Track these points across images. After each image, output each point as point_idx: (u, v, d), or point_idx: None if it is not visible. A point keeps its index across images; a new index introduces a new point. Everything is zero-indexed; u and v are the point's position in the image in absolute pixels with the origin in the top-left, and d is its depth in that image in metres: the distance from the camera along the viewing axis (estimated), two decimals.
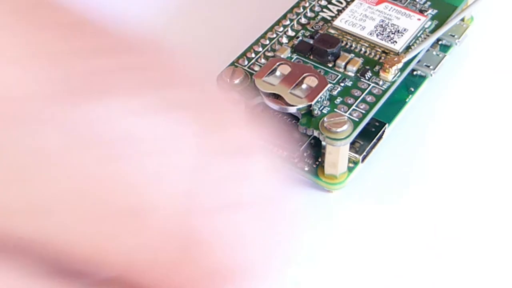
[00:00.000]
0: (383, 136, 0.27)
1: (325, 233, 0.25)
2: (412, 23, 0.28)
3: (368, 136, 0.26)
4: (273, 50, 0.27)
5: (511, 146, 0.28)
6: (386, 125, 0.27)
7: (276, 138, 0.26)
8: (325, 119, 0.24)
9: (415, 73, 0.29)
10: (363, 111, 0.25)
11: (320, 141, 0.26)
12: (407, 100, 0.28)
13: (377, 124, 0.27)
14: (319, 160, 0.26)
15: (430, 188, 0.26)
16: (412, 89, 0.29)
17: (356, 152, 0.26)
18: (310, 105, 0.25)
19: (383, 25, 0.28)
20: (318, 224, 0.25)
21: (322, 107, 0.25)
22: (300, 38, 0.27)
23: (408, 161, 0.27)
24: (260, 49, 0.27)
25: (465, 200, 0.26)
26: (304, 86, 0.25)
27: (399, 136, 0.28)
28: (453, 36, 0.30)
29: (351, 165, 0.26)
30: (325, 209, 0.26)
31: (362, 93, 0.26)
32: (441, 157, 0.27)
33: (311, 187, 0.26)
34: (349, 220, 0.25)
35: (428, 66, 0.28)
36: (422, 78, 0.29)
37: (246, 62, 0.27)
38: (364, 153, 0.26)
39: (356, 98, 0.25)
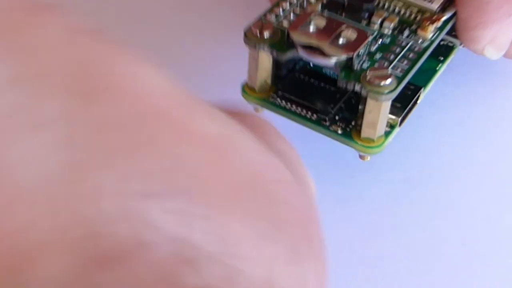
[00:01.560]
0: (417, 102, 0.25)
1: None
2: None
3: (405, 99, 0.25)
4: (302, 7, 0.25)
5: None
6: (422, 89, 0.25)
7: (305, 101, 0.24)
8: (367, 72, 0.23)
9: (442, 43, 0.27)
10: (406, 67, 0.23)
11: (354, 104, 0.24)
12: (437, 68, 0.27)
13: (412, 87, 0.25)
14: (353, 123, 0.24)
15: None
16: (442, 58, 0.27)
17: (395, 114, 0.24)
18: (351, 58, 0.23)
19: None
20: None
21: (362, 62, 0.23)
22: None
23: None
24: (288, 6, 0.25)
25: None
26: (342, 39, 0.23)
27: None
28: None
29: (387, 129, 0.24)
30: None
31: (402, 50, 0.24)
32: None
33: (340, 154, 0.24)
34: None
35: (457, 37, 0.27)
36: (451, 48, 0.27)
37: (274, 18, 0.25)
38: (402, 116, 0.24)
39: (396, 54, 0.24)
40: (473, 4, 0.25)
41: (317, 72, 0.25)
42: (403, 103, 0.25)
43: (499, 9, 0.25)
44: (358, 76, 0.23)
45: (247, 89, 0.25)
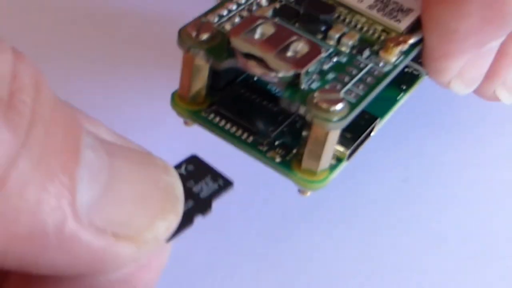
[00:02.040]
0: (371, 134, 0.22)
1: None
2: (416, 4, 0.23)
3: (357, 129, 0.21)
4: (250, 11, 0.22)
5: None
6: (378, 119, 0.22)
7: (242, 119, 0.21)
8: (316, 94, 0.19)
9: (406, 70, 0.24)
10: (361, 93, 0.20)
11: (298, 129, 0.21)
12: (398, 98, 0.23)
13: (367, 117, 0.22)
14: (294, 151, 0.21)
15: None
16: (404, 87, 0.24)
17: (344, 145, 0.21)
18: (299, 74, 0.19)
19: (384, 1, 0.23)
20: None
21: (311, 81, 0.20)
22: (284, 2, 0.22)
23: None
24: (234, 7, 0.22)
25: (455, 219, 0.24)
26: (291, 52, 0.20)
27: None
28: None
29: (333, 162, 0.21)
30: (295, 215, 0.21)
31: (359, 72, 0.21)
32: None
33: (279, 185, 0.21)
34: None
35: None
36: (416, 76, 0.24)
37: (216, 19, 0.21)
38: (352, 149, 0.21)
39: (352, 76, 0.20)
40: (439, 31, 0.22)
41: (261, 87, 0.22)
42: (355, 134, 0.21)
43: (466, 40, 0.22)
44: (305, 97, 0.19)
45: (177, 99, 0.22)
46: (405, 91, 0.24)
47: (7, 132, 0.11)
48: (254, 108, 0.21)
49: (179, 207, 0.14)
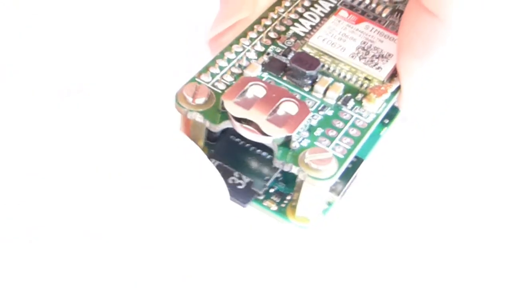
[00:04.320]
0: (357, 174, 0.24)
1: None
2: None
3: (345, 174, 0.23)
4: (240, 66, 0.23)
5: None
6: (363, 161, 0.24)
7: (238, 170, 0.23)
8: (306, 154, 0.21)
9: None
10: (348, 147, 0.22)
11: (290, 176, 0.22)
12: (381, 134, 0.25)
13: (354, 160, 0.23)
14: (289, 198, 0.23)
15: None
16: (387, 121, 0.25)
17: (333, 192, 0.22)
18: (290, 137, 0.21)
19: (365, 48, 0.24)
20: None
21: (301, 139, 0.21)
22: (271, 54, 0.24)
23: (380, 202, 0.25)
24: (225, 63, 0.23)
25: (447, 244, 0.24)
26: (281, 112, 0.21)
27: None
28: None
29: (325, 206, 0.23)
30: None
31: (345, 124, 0.22)
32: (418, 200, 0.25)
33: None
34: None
35: None
36: (397, 109, 0.26)
37: (209, 79, 0.23)
38: (341, 194, 0.23)
39: (338, 130, 0.22)
40: None
41: None
42: (343, 179, 0.23)
43: None
44: (296, 157, 0.21)
45: None
46: (388, 125, 0.25)
47: None
48: (248, 157, 0.23)
49: None
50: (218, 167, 0.22)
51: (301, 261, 0.23)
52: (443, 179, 0.26)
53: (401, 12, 0.26)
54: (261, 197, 0.22)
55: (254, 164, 0.23)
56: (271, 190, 0.23)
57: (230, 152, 0.23)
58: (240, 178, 0.22)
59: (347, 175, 0.23)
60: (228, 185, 0.22)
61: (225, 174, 0.22)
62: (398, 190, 0.25)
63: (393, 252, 0.24)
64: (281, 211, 0.22)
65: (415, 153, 0.27)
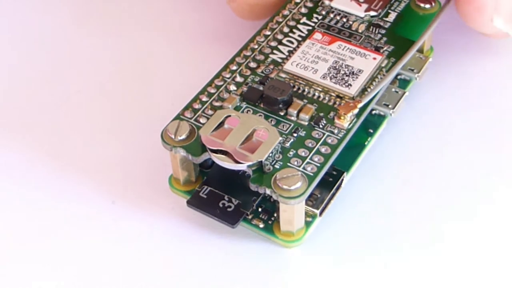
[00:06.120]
0: (341, 185, 0.25)
1: None
2: (367, 63, 0.26)
3: (326, 186, 0.25)
4: (221, 99, 0.25)
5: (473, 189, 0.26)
6: (344, 173, 0.25)
7: (227, 192, 0.25)
8: (277, 175, 0.23)
9: (373, 112, 0.27)
10: (318, 164, 0.23)
11: None
12: (366, 143, 0.27)
13: (334, 173, 0.25)
14: (276, 215, 0.25)
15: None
16: (371, 131, 0.27)
17: (313, 206, 0.24)
18: (261, 162, 0.23)
19: (337, 67, 0.26)
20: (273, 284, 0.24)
21: (274, 161, 0.23)
22: (249, 84, 0.26)
23: (372, 212, 0.26)
24: (207, 98, 0.25)
25: (434, 259, 0.24)
26: (254, 140, 0.23)
27: (359, 183, 0.26)
28: (413, 70, 0.28)
29: (308, 219, 0.25)
30: (282, 267, 0.24)
31: (317, 143, 0.24)
32: (408, 209, 0.26)
33: (267, 242, 0.25)
34: (307, 280, 0.24)
35: (387, 105, 0.27)
36: (382, 117, 0.27)
37: (192, 114, 0.25)
38: (322, 206, 0.24)
39: (310, 149, 0.24)
40: None
41: None
42: (323, 192, 0.25)
43: None
44: (269, 179, 0.23)
45: (173, 182, 0.26)
46: (372, 134, 0.27)
47: None
48: (238, 180, 0.25)
49: None
50: (208, 193, 0.25)
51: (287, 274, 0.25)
52: (432, 185, 0.26)
53: (376, 26, 0.28)
54: (250, 217, 0.25)
55: (243, 186, 0.25)
56: (260, 209, 0.25)
57: (221, 177, 0.25)
58: (230, 201, 0.25)
59: (327, 188, 0.25)
60: (219, 208, 0.24)
61: (216, 199, 0.25)
62: (386, 198, 0.26)
63: (382, 262, 0.24)
64: (268, 228, 0.24)
65: (404, 160, 0.27)
